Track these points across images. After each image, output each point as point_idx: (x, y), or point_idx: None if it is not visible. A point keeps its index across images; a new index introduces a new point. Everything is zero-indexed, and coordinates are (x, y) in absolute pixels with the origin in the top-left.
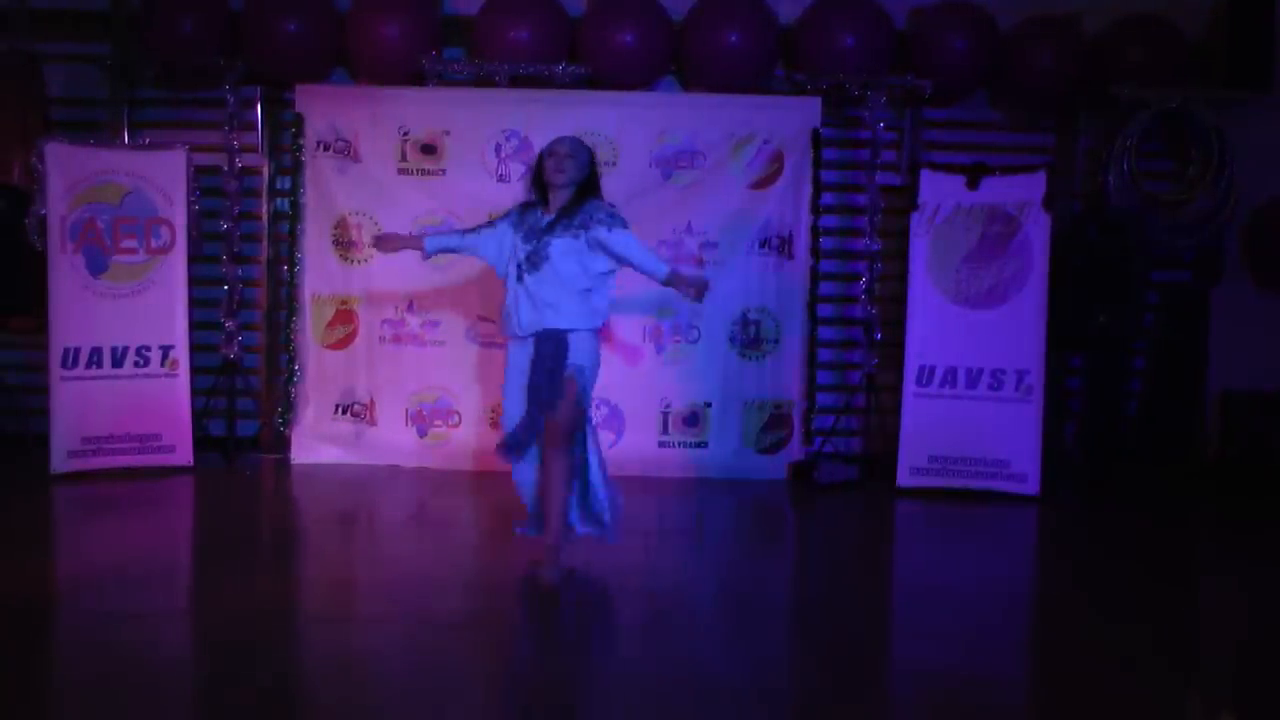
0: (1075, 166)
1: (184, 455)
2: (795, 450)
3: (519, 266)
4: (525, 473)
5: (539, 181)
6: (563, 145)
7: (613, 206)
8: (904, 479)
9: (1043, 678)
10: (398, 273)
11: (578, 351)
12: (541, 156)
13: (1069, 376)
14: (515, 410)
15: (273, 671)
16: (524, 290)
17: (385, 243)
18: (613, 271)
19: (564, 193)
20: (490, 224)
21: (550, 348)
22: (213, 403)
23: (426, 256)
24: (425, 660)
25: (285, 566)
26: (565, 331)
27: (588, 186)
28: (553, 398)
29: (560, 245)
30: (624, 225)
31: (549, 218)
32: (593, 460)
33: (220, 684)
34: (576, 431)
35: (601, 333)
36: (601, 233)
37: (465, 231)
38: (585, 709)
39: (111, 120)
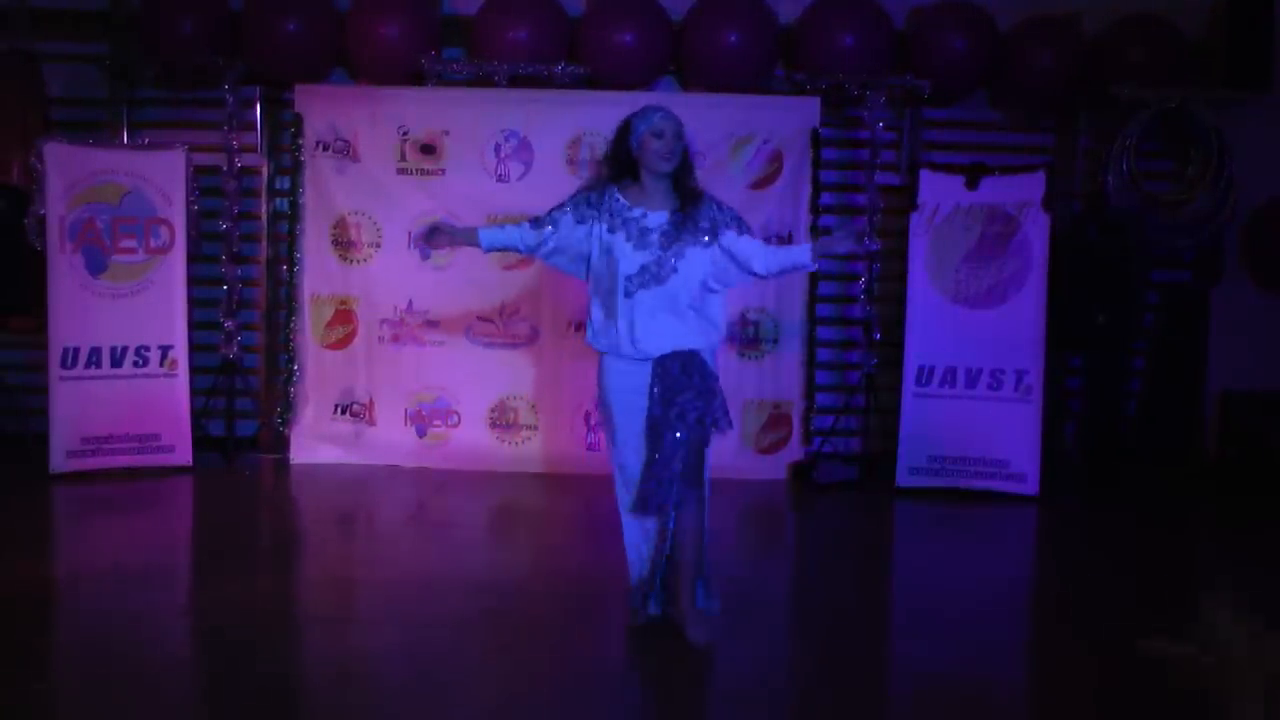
0: (1075, 166)
1: (183, 455)
2: (794, 450)
3: (629, 280)
4: (643, 529)
5: (625, 160)
6: (671, 123)
7: (725, 203)
8: (903, 479)
9: (1041, 678)
10: (397, 273)
11: (711, 375)
12: (638, 132)
13: (1068, 376)
14: (636, 445)
15: (272, 671)
16: (637, 306)
17: (437, 238)
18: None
19: (665, 182)
20: (550, 222)
21: (677, 367)
22: (212, 403)
23: (485, 251)
24: (425, 661)
25: (285, 566)
26: (695, 351)
27: (685, 173)
28: (703, 424)
29: (693, 256)
30: (748, 228)
31: (664, 216)
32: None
33: (220, 684)
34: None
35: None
36: (730, 237)
37: (531, 228)
38: (584, 708)
39: (111, 120)
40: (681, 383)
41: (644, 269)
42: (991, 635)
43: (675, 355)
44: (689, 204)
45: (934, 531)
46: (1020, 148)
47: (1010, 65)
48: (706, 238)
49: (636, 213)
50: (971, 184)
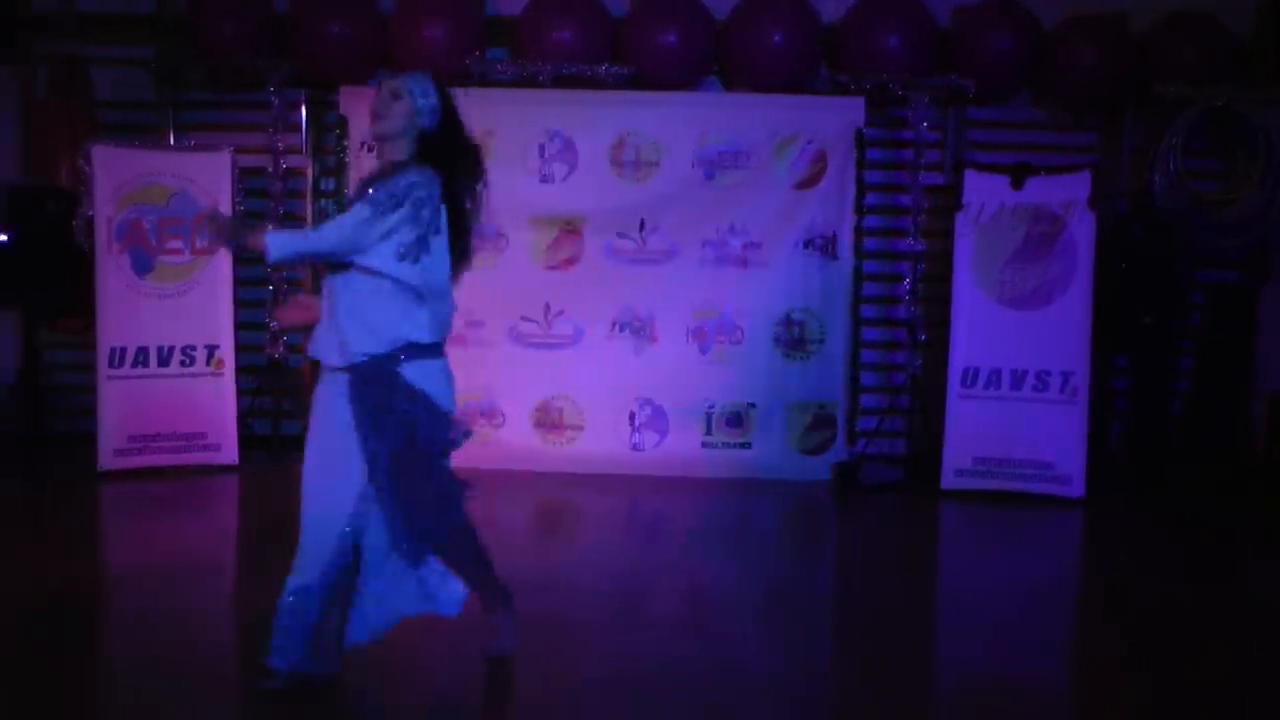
0: (1121, 166)
1: (229, 454)
2: (839, 451)
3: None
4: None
5: None
6: (389, 83)
7: (418, 180)
8: (948, 481)
9: (1086, 683)
10: None
11: (409, 390)
12: None
13: (1114, 377)
14: (316, 482)
15: None
16: (326, 296)
17: (216, 229)
18: (383, 276)
19: (392, 149)
20: None
21: (368, 390)
22: (257, 402)
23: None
24: (465, 659)
25: None
26: (384, 357)
27: (434, 143)
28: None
29: None
30: (373, 201)
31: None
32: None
33: (265, 677)
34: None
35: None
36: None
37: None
38: (627, 707)
39: (158, 122)
40: (373, 414)
41: None
42: (1035, 638)
43: (367, 371)
44: (384, 173)
45: (978, 534)
46: (1065, 147)
47: (1055, 64)
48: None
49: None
50: (1016, 184)
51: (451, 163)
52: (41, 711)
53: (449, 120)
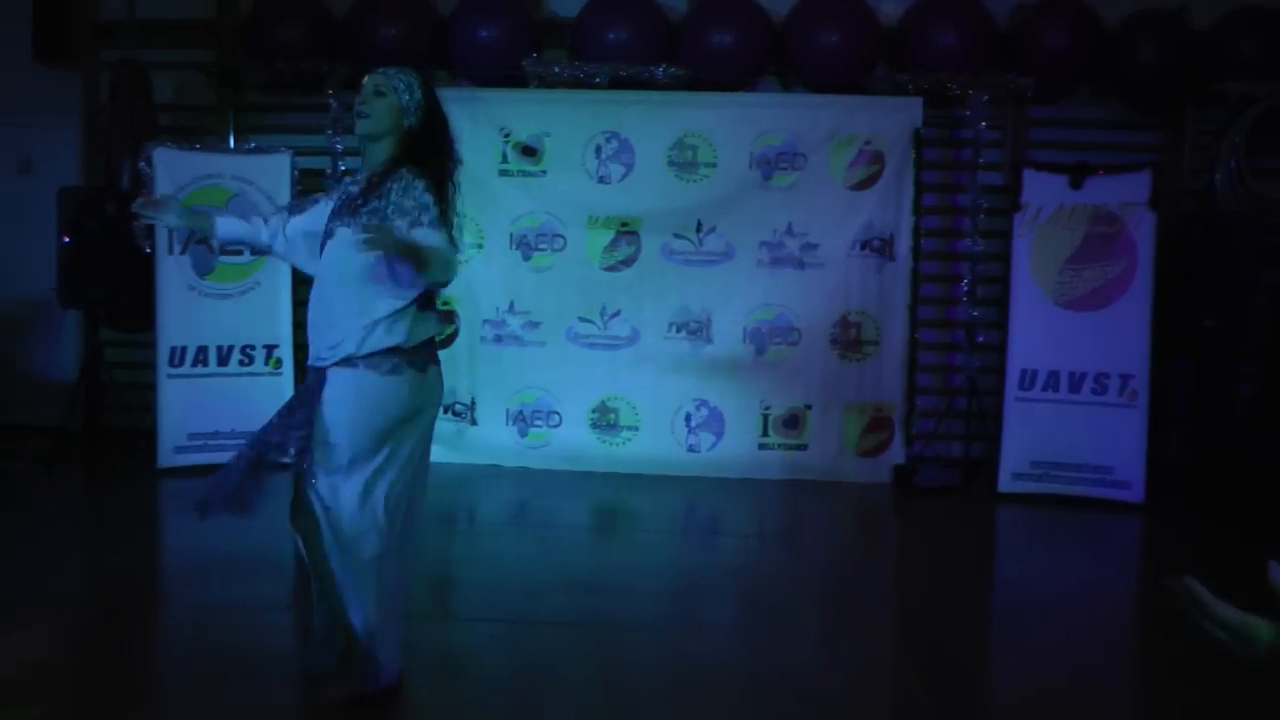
0: (1182, 165)
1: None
2: (896, 453)
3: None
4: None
5: None
6: (373, 79)
7: (428, 184)
8: (1005, 484)
9: (1144, 693)
10: (498, 273)
11: (333, 401)
12: None
13: (1176, 381)
14: None
15: None
16: (313, 293)
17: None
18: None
19: (376, 149)
20: (300, 209)
21: (308, 393)
22: None
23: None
24: (526, 659)
25: None
26: (325, 370)
27: (418, 141)
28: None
29: (344, 236)
30: (434, 222)
31: (357, 187)
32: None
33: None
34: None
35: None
36: (401, 228)
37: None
38: (683, 709)
39: (218, 125)
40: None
41: (322, 245)
42: (1093, 645)
43: (315, 375)
44: (385, 173)
45: (1036, 538)
46: (1126, 146)
47: (1115, 61)
48: (369, 216)
49: (350, 183)
50: (1076, 183)
51: (436, 163)
52: (101, 703)
53: (434, 118)
